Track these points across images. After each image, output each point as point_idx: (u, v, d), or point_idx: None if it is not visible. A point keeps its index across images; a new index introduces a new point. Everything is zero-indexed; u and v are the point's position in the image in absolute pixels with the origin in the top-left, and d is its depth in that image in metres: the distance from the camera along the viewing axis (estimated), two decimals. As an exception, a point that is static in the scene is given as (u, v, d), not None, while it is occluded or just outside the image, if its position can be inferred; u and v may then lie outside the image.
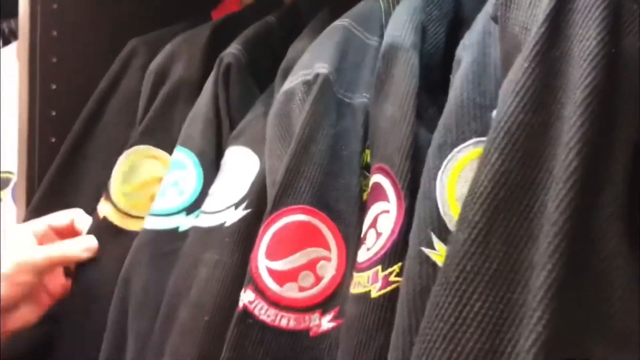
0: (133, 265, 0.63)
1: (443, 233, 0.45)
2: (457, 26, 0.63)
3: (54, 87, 0.79)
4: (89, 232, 0.66)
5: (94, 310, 0.64)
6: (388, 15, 0.69)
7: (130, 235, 0.66)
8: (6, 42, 1.31)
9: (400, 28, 0.56)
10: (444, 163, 0.47)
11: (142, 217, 0.66)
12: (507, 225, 0.36)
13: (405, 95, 0.53)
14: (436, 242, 0.45)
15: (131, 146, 0.69)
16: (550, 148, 0.37)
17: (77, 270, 0.66)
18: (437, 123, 0.58)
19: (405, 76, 0.53)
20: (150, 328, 0.61)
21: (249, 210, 0.59)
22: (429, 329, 0.35)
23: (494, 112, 0.45)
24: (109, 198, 0.67)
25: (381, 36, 0.67)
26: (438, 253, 0.44)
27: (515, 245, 0.35)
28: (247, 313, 0.50)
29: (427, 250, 0.44)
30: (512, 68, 0.41)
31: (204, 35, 0.75)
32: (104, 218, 0.66)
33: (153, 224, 0.64)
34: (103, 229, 0.66)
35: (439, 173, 0.47)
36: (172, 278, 0.59)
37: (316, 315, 0.51)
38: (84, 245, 0.65)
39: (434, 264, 0.44)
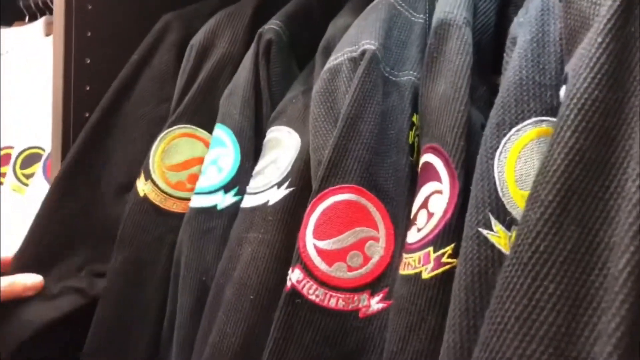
0: (180, 244, 0.62)
1: (501, 214, 0.44)
2: (504, 4, 0.61)
3: (88, 61, 0.78)
4: (130, 207, 0.65)
5: (137, 289, 0.64)
6: (431, -8, 0.68)
7: (171, 215, 0.65)
8: (32, 18, 1.30)
9: (452, 4, 0.55)
10: (502, 142, 0.46)
11: (183, 199, 0.65)
12: (581, 205, 0.35)
13: (458, 72, 0.51)
14: (494, 223, 0.44)
15: (172, 125, 0.68)
16: (626, 126, 0.36)
17: (116, 249, 0.65)
18: (487, 102, 0.57)
19: (458, 53, 0.52)
20: (190, 304, 0.61)
21: (291, 189, 0.58)
22: (499, 310, 0.34)
23: (562, 89, 0.44)
24: (149, 177, 0.66)
25: (426, 13, 0.65)
26: (497, 234, 0.43)
27: (590, 226, 0.34)
28: (295, 292, 0.50)
29: (485, 232, 0.43)
30: (583, 44, 0.40)
31: (248, 11, 0.73)
32: (145, 197, 0.66)
33: (195, 202, 0.63)
34: (144, 208, 0.65)
35: (497, 153, 0.46)
36: (220, 259, 0.59)
37: (365, 295, 0.50)
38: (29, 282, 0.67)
39: (492, 246, 0.43)
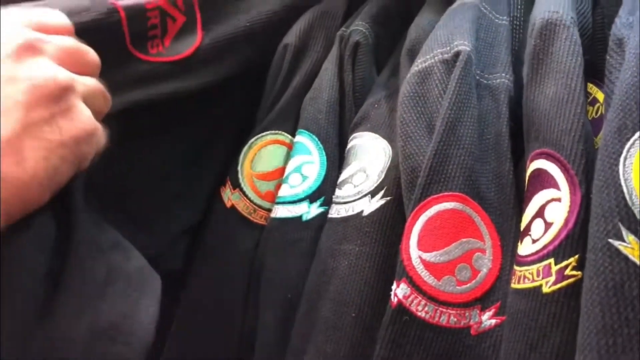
0: (261, 257, 0.60)
1: (632, 224, 0.41)
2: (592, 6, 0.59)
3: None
4: (215, 218, 0.63)
5: (223, 303, 0.62)
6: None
7: (260, 228, 0.62)
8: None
9: (557, 4, 0.52)
10: (626, 147, 0.43)
11: (271, 210, 0.63)
12: None
13: (570, 73, 0.48)
14: (625, 233, 0.41)
15: (263, 130, 0.65)
16: None
17: (199, 260, 0.63)
18: (589, 107, 0.54)
19: (568, 53, 0.49)
20: (274, 322, 0.58)
21: (387, 199, 0.55)
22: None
23: None
24: (237, 185, 0.63)
25: (509, 15, 0.63)
26: (629, 245, 0.40)
27: None
28: (403, 309, 0.47)
29: (616, 243, 0.40)
30: None
31: (340, 10, 0.70)
32: (233, 207, 0.63)
33: (278, 212, 0.61)
34: (231, 219, 0.63)
35: (621, 159, 0.43)
36: (307, 274, 0.57)
37: (476, 311, 0.48)
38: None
39: (626, 258, 0.40)
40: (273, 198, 0.63)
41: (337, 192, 0.60)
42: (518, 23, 0.62)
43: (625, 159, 0.43)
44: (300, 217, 0.61)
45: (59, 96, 0.38)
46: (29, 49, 0.38)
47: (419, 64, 0.58)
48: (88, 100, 0.41)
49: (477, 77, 0.56)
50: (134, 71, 0.57)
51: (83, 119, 0.39)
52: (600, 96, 0.53)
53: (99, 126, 0.41)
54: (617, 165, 0.43)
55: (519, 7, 0.65)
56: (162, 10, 0.59)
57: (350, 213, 0.56)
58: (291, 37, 0.69)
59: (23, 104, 0.36)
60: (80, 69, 0.42)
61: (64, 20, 0.42)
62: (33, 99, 0.36)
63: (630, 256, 0.40)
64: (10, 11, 0.40)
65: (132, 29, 0.57)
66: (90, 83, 0.42)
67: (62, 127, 0.38)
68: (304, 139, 0.63)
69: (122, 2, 0.57)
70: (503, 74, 0.57)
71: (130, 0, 0.58)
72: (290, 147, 0.65)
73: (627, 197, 0.42)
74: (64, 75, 0.38)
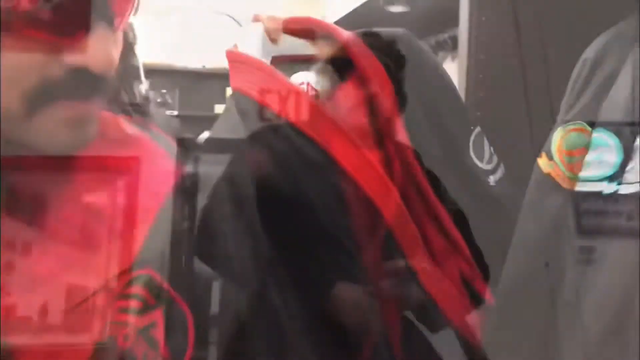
0: (565, 216, 0.85)
1: None
2: None
3: (480, 76, 1.06)
4: (534, 180, 0.89)
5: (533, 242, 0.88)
6: None
7: (566, 192, 0.86)
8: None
9: None
10: None
11: (574, 180, 0.85)
12: None
13: None
14: None
15: (570, 120, 0.88)
16: None
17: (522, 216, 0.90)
18: None
19: None
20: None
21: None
22: None
23: None
24: (551, 158, 0.87)
25: None
26: None
27: None
28: None
29: None
30: None
31: (630, 32, 0.88)
32: (549, 174, 0.87)
33: (583, 187, 0.84)
34: (547, 183, 0.87)
35: None
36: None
37: None
38: None
39: None
40: (577, 170, 0.86)
41: (626, 176, 0.81)
42: None
43: None
44: (600, 192, 0.83)
45: None
46: None
47: None
48: None
49: None
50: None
51: None
52: None
53: None
54: None
55: None
56: None
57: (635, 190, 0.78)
58: (590, 52, 0.90)
59: None
60: None
61: None
62: None
63: None
64: None
65: None
66: None
67: None
68: (604, 135, 0.85)
69: None
70: None
71: None
72: (588, 134, 0.87)
73: None
74: None
